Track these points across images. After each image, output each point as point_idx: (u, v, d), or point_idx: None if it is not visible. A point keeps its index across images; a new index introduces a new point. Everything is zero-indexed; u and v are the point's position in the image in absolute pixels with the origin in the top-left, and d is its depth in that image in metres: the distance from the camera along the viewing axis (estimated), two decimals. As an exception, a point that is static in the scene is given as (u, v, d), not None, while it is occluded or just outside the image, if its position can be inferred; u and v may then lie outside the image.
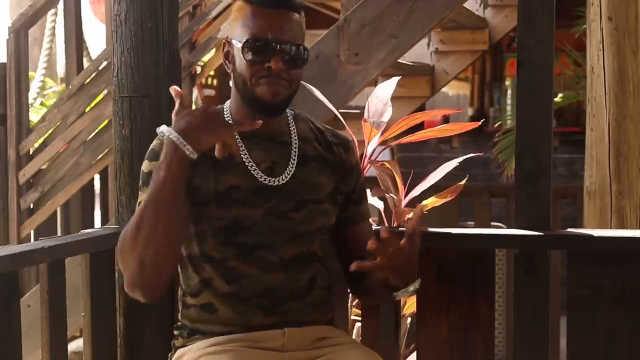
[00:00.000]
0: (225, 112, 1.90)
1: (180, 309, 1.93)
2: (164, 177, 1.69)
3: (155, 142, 1.87)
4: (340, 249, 1.98)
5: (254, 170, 1.83)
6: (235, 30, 1.83)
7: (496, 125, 5.91)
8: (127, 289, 1.79)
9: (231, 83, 1.89)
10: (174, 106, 1.78)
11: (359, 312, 2.34)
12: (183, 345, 1.88)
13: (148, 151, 1.88)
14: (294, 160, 1.87)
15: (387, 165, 2.32)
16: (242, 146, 1.85)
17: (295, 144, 1.90)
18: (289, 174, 1.86)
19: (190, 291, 1.87)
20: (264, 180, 1.83)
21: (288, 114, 1.93)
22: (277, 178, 1.84)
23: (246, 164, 1.84)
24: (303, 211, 1.85)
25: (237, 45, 1.80)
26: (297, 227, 1.84)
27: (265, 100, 1.80)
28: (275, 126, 1.89)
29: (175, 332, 1.92)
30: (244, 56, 1.79)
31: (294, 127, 1.92)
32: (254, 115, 1.82)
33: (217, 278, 1.82)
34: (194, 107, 1.95)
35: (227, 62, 1.87)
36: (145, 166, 1.86)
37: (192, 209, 1.81)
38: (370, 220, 2.05)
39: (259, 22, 1.79)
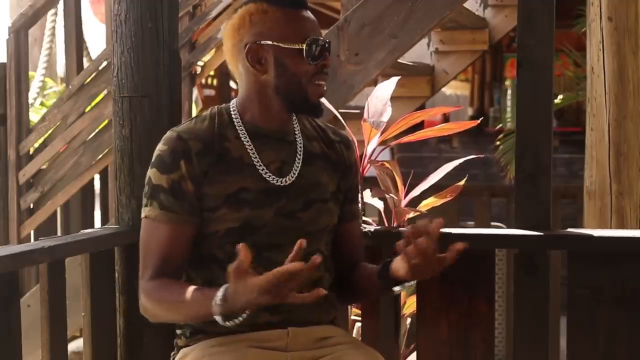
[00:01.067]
0: (233, 113, 1.88)
1: None
2: (199, 316, 1.75)
3: (162, 148, 1.83)
4: (335, 246, 2.00)
5: (264, 173, 1.84)
6: (269, 33, 1.81)
7: (497, 127, 5.91)
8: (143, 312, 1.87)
9: (234, 85, 1.89)
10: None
11: (359, 312, 2.34)
12: (186, 345, 1.88)
13: (155, 157, 1.84)
14: (299, 158, 1.88)
15: (387, 165, 2.32)
16: (251, 147, 1.85)
17: (300, 142, 1.91)
18: (295, 173, 1.86)
19: None
20: (273, 181, 1.84)
21: None
22: (285, 178, 1.85)
23: (256, 166, 1.84)
24: (310, 211, 1.86)
25: (292, 46, 1.80)
26: (305, 227, 1.85)
27: (315, 102, 1.85)
28: (285, 126, 1.90)
29: (178, 332, 1.92)
30: (306, 56, 1.80)
31: (297, 125, 1.93)
32: (282, 118, 1.87)
33: (222, 278, 1.82)
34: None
35: (258, 66, 1.84)
36: (155, 177, 1.83)
37: (202, 215, 1.81)
38: (370, 220, 2.05)
39: (302, 22, 1.83)
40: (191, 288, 1.73)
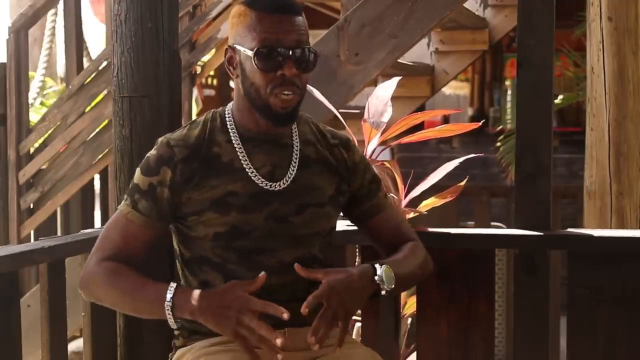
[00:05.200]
0: (227, 117, 1.88)
1: None
2: (153, 312, 1.76)
3: (152, 152, 1.85)
4: (374, 241, 2.02)
5: (254, 176, 1.82)
6: (240, 37, 1.80)
7: (497, 128, 5.91)
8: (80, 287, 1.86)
9: (233, 86, 1.88)
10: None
11: (359, 312, 2.34)
12: (183, 345, 1.88)
13: (144, 159, 1.86)
14: (295, 163, 1.87)
15: (387, 165, 2.32)
16: (242, 150, 1.84)
17: (297, 146, 1.89)
18: (290, 178, 1.85)
19: None
20: (264, 185, 1.83)
21: None
22: (278, 182, 1.83)
23: (246, 169, 1.82)
24: (304, 215, 1.84)
25: (247, 52, 1.77)
26: (297, 231, 1.84)
27: (277, 112, 1.79)
28: (278, 129, 1.88)
29: (176, 332, 1.91)
30: (256, 64, 1.76)
31: (296, 129, 1.91)
32: (263, 121, 1.83)
33: (216, 280, 1.82)
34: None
35: (231, 68, 1.84)
36: (137, 177, 1.85)
37: (187, 219, 1.82)
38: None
39: (268, 28, 1.77)
40: (156, 283, 1.77)
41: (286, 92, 1.77)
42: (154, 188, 1.82)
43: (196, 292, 1.71)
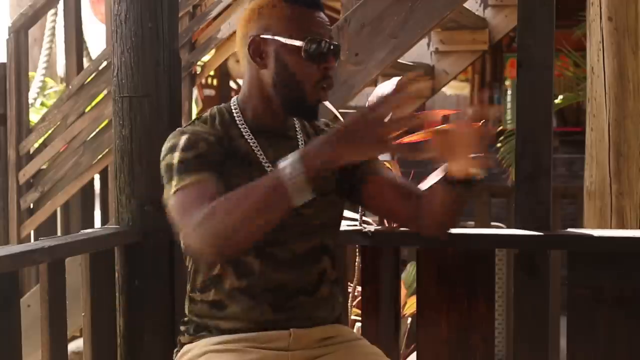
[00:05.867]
0: (235, 112, 1.86)
1: (187, 305, 1.92)
2: (271, 197, 1.56)
3: (174, 139, 1.76)
4: (378, 206, 1.97)
5: (270, 170, 1.79)
6: (275, 28, 1.79)
7: (498, 129, 5.90)
8: (191, 240, 1.63)
9: (234, 85, 1.88)
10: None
11: (359, 312, 2.34)
12: (189, 342, 1.88)
13: (168, 147, 1.76)
14: None
15: (387, 165, 2.32)
16: (256, 145, 1.83)
17: (301, 138, 1.90)
18: None
19: (199, 287, 1.86)
20: None
21: None
22: None
23: (262, 162, 1.82)
24: (313, 206, 1.84)
25: (294, 43, 1.77)
26: (308, 222, 1.84)
27: (314, 105, 1.80)
28: (286, 122, 1.89)
29: (182, 328, 1.92)
30: (306, 56, 1.77)
31: (298, 122, 1.92)
32: (278, 115, 1.83)
33: (227, 274, 1.82)
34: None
35: (258, 59, 1.81)
36: (176, 157, 1.72)
37: None
38: (370, 220, 2.03)
39: (311, 22, 1.79)
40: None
41: (323, 85, 1.80)
42: (202, 157, 1.72)
43: (315, 143, 1.55)
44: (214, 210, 1.59)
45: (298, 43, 1.77)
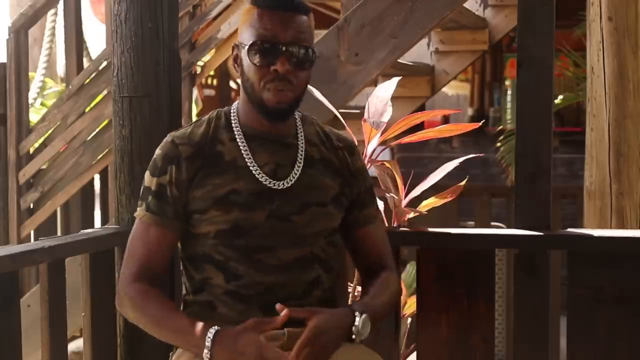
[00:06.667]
0: (232, 115, 1.89)
1: (182, 307, 1.93)
2: (182, 344, 1.79)
3: (158, 152, 1.87)
4: (352, 252, 2.00)
5: (257, 174, 1.82)
6: (243, 34, 1.82)
7: (498, 128, 5.90)
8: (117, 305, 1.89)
9: (234, 86, 1.89)
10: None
11: (359, 312, 2.33)
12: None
13: (152, 160, 1.88)
14: (300, 162, 1.87)
15: (387, 165, 2.32)
16: (245, 148, 1.84)
17: (302, 146, 1.89)
18: (294, 177, 1.85)
19: (192, 290, 1.88)
20: (267, 183, 1.83)
21: (296, 116, 1.93)
22: (282, 181, 1.84)
23: (249, 167, 1.83)
24: (306, 214, 1.84)
25: (244, 46, 1.80)
26: (298, 230, 1.84)
27: (269, 106, 1.79)
28: (281, 128, 1.88)
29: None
30: (250, 58, 1.78)
31: (301, 129, 1.92)
32: (264, 119, 1.84)
33: (217, 277, 1.83)
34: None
35: (236, 65, 1.87)
36: (147, 179, 1.87)
37: (191, 217, 1.82)
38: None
39: (265, 24, 1.78)
40: (180, 315, 1.80)
41: (276, 87, 1.78)
42: (164, 187, 1.83)
43: (211, 332, 1.71)
44: (134, 304, 1.83)
45: (246, 47, 1.79)
